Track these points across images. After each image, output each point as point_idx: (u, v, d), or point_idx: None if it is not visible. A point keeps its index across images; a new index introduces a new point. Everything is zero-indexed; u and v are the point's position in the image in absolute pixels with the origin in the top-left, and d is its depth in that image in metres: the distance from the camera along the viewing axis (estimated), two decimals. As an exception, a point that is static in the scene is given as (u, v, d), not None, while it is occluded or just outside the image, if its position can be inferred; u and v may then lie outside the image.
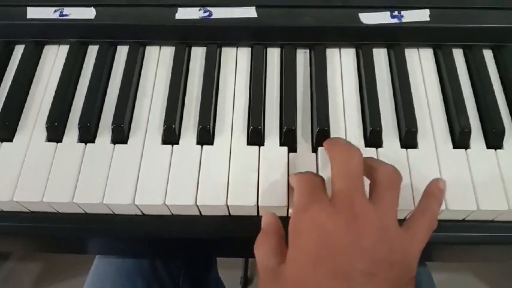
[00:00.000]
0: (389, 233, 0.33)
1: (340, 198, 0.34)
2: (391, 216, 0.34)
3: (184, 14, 0.49)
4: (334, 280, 0.31)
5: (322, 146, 0.44)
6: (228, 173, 0.43)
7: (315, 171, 0.43)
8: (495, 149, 0.44)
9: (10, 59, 0.51)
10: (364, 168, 0.37)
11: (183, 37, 0.50)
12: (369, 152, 0.44)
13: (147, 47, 0.51)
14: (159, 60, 0.51)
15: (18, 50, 0.51)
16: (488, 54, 0.51)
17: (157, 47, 0.51)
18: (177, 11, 0.49)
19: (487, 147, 0.45)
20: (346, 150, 0.37)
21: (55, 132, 0.45)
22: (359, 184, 0.35)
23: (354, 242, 0.32)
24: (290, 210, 0.42)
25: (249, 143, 0.45)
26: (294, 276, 0.33)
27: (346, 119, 0.46)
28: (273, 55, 0.51)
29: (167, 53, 0.51)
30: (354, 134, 0.45)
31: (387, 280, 0.31)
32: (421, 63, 0.50)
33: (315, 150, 0.45)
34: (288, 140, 0.45)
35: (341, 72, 0.49)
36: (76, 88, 0.49)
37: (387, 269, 0.32)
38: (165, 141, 0.45)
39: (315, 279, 0.32)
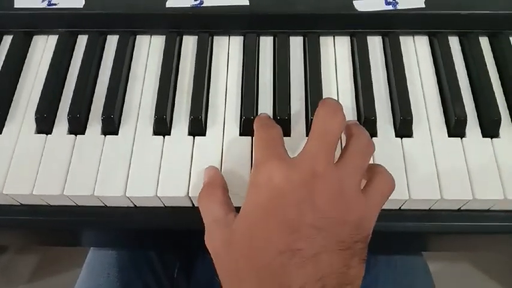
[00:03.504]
0: (347, 196, 0.34)
1: (304, 156, 0.35)
2: (353, 181, 0.35)
3: (175, 2, 0.48)
4: (283, 231, 0.32)
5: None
6: (221, 164, 0.42)
7: None
8: (491, 138, 0.44)
9: (-2, 49, 0.50)
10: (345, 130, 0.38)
11: (174, 26, 0.49)
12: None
13: (138, 36, 0.50)
14: (149, 49, 0.50)
15: (6, 41, 0.50)
16: (484, 42, 0.50)
17: (148, 36, 0.50)
18: (167, -1, 0.48)
19: (483, 136, 0.44)
20: (331, 112, 0.37)
21: (44, 123, 0.45)
22: (329, 148, 0.35)
23: (307, 198, 0.33)
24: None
25: (241, 134, 0.44)
26: (244, 224, 0.34)
27: (340, 108, 0.46)
28: (266, 44, 0.50)
29: (158, 42, 0.50)
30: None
31: (335, 235, 0.32)
32: (416, 51, 0.49)
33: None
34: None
35: (335, 61, 0.49)
36: (66, 79, 0.48)
37: (337, 226, 0.32)
38: (156, 132, 0.44)
39: (264, 230, 0.33)
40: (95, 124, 0.45)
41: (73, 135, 0.44)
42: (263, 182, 0.34)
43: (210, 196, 0.38)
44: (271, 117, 0.45)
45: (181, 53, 0.49)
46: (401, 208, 0.43)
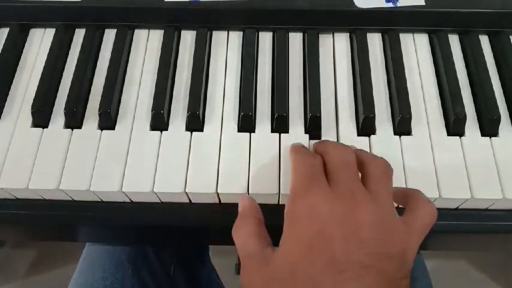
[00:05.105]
0: (389, 225, 0.32)
1: (341, 186, 0.33)
2: (390, 208, 0.34)
3: (174, -4, 0.47)
4: (329, 270, 0.30)
5: (314, 131, 0.43)
6: (218, 160, 0.42)
7: None
8: (490, 137, 0.44)
9: (-6, 42, 0.50)
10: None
11: (172, 20, 0.49)
12: (362, 141, 0.43)
13: (136, 31, 0.50)
14: (147, 44, 0.49)
15: (3, 33, 0.50)
16: (484, 40, 0.50)
17: (146, 31, 0.50)
18: (166, -7, 0.48)
19: (482, 135, 0.44)
20: (341, 146, 0.36)
21: (41, 117, 0.44)
22: (357, 177, 0.34)
23: (352, 233, 0.31)
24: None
25: (239, 130, 0.44)
26: (287, 263, 0.32)
27: (338, 105, 0.45)
28: (265, 39, 0.49)
29: (156, 36, 0.50)
30: (347, 120, 0.45)
31: (383, 272, 0.31)
32: (416, 49, 0.49)
33: (307, 132, 0.44)
34: (280, 126, 0.44)
35: (334, 58, 0.48)
36: (63, 72, 0.48)
37: (385, 261, 0.31)
38: (153, 128, 0.44)
39: (309, 269, 0.31)
40: (91, 119, 0.45)
41: (69, 130, 0.44)
42: (305, 214, 0.33)
43: (243, 229, 0.36)
44: (270, 113, 0.45)
45: (180, 47, 0.49)
46: (399, 206, 0.43)
